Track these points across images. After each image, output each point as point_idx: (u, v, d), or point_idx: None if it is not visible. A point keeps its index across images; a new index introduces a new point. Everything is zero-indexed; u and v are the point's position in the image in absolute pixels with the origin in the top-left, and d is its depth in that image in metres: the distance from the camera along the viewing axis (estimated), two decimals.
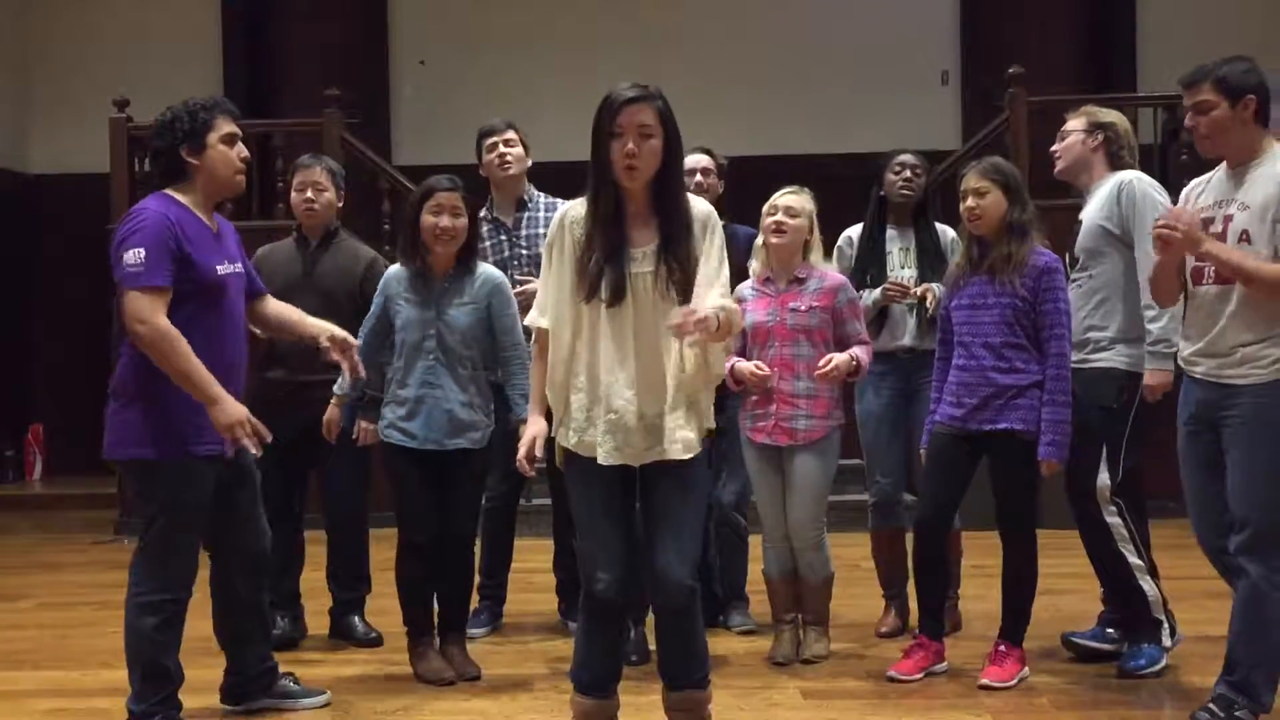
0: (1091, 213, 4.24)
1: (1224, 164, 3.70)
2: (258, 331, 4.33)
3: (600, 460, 3.23)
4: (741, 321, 3.43)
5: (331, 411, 4.52)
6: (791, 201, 4.39)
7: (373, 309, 4.41)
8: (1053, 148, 4.54)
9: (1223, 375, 3.58)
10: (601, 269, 3.19)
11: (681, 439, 3.24)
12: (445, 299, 4.31)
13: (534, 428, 3.37)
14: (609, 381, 3.22)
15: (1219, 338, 3.58)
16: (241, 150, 3.80)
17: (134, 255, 3.55)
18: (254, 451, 3.64)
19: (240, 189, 3.88)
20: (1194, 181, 3.86)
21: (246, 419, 3.59)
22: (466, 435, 4.31)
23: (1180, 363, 3.77)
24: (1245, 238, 3.53)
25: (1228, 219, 3.58)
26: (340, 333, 3.95)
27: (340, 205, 4.99)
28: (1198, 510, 3.73)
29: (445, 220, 4.25)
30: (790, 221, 4.36)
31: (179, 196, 3.72)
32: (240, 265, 3.86)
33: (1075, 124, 4.47)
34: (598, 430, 3.24)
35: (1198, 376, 3.66)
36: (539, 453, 3.35)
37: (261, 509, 3.96)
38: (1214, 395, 3.60)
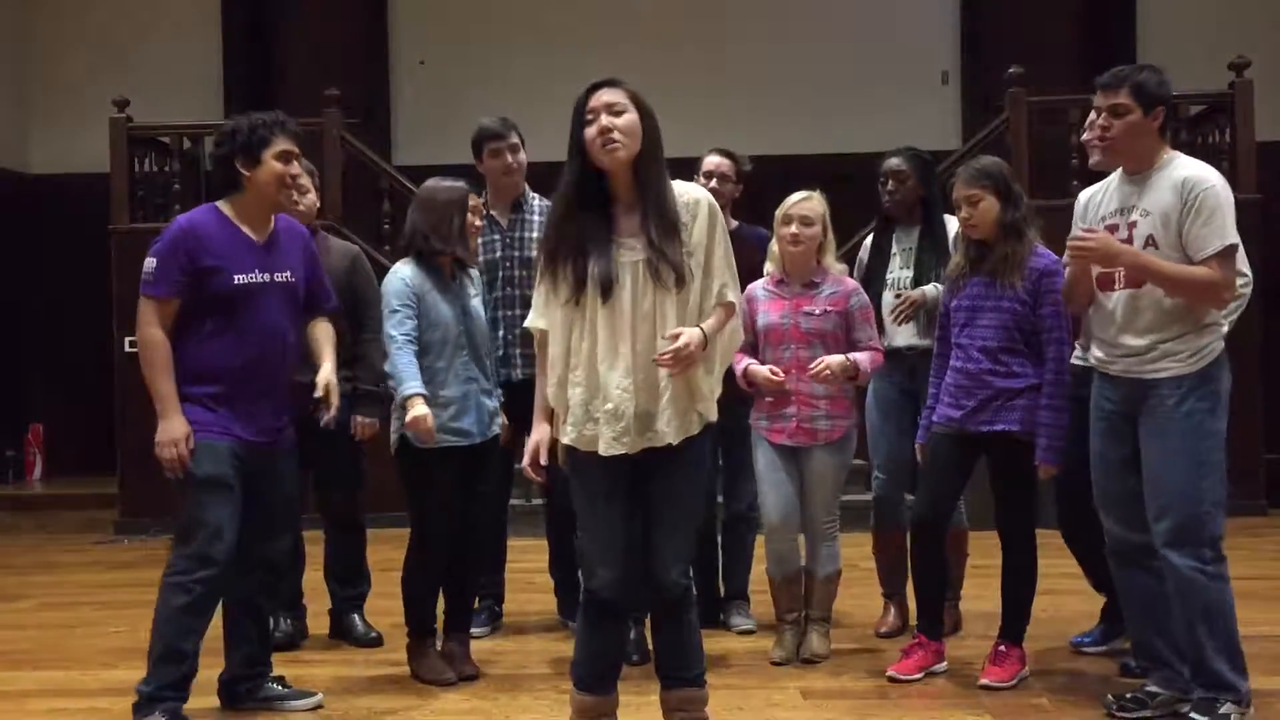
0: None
1: (1119, 171, 3.79)
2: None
3: (601, 451, 3.23)
4: (737, 319, 3.42)
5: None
6: (806, 210, 4.39)
7: (405, 313, 4.22)
8: (1085, 136, 4.50)
9: (1141, 371, 3.65)
10: (588, 264, 3.21)
11: (676, 424, 3.24)
12: (465, 293, 4.38)
13: (538, 434, 3.37)
14: (604, 372, 3.22)
15: (1136, 337, 3.65)
16: (294, 168, 3.90)
17: (149, 264, 3.79)
18: (167, 472, 3.74)
19: (286, 207, 4.00)
20: (1090, 190, 3.94)
21: (174, 442, 3.70)
22: (496, 422, 4.39)
23: (1093, 362, 3.82)
24: (1151, 242, 3.62)
25: (1132, 225, 3.68)
26: (334, 387, 3.99)
27: (318, 205, 4.98)
28: (1113, 504, 3.77)
29: (478, 221, 4.42)
30: (806, 231, 4.38)
31: (224, 208, 3.87)
32: (290, 275, 3.91)
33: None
34: (597, 422, 3.24)
35: (1114, 374, 3.72)
36: (544, 460, 3.35)
37: (291, 526, 4.08)
38: (1133, 391, 3.68)
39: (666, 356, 3.14)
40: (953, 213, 4.63)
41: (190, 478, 3.74)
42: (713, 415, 3.34)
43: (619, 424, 3.22)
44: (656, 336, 3.21)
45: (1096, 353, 3.80)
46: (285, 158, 3.86)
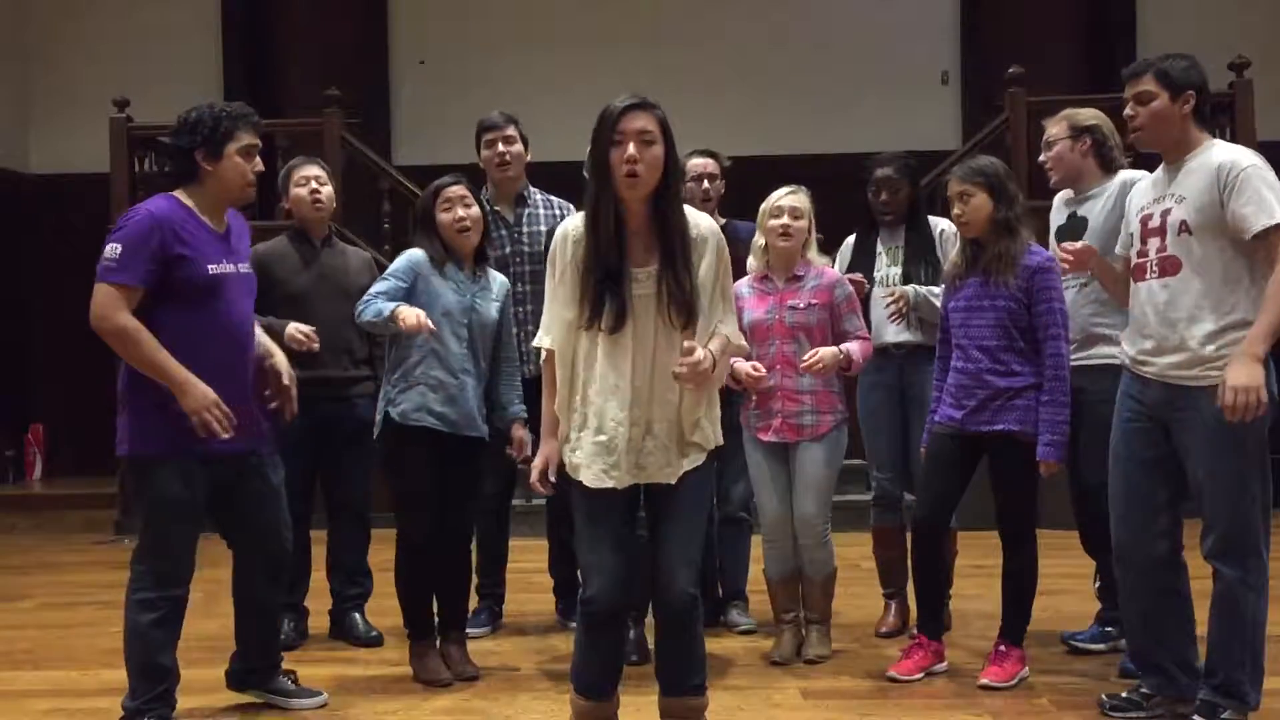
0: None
1: (1163, 161, 3.73)
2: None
3: (588, 483, 3.19)
4: (743, 344, 3.42)
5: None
6: (795, 203, 4.40)
7: (397, 280, 4.23)
8: (1041, 158, 4.55)
9: (1179, 378, 3.54)
10: (603, 294, 3.16)
11: (673, 465, 3.22)
12: (478, 290, 4.36)
13: (547, 450, 3.33)
14: (600, 404, 3.19)
15: (1170, 335, 3.54)
16: (257, 164, 3.82)
17: (111, 250, 3.62)
18: (222, 435, 3.60)
19: (249, 200, 3.90)
20: (1135, 184, 3.90)
21: (214, 403, 3.57)
22: (484, 426, 4.36)
23: (1125, 360, 3.72)
24: (1184, 228, 3.54)
25: (1165, 213, 3.59)
26: (284, 368, 3.92)
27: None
28: (1126, 507, 3.70)
29: (460, 211, 4.30)
30: (795, 224, 4.38)
31: (184, 198, 3.75)
32: (247, 266, 3.88)
33: (1057, 130, 4.48)
34: (585, 453, 3.20)
35: (1150, 376, 3.61)
36: (552, 477, 3.32)
37: (282, 510, 3.96)
38: (1168, 396, 3.57)
39: (685, 370, 3.07)
40: (937, 213, 4.67)
41: (156, 498, 3.65)
42: (714, 443, 3.31)
43: (610, 457, 3.18)
44: (657, 371, 3.18)
45: (1128, 349, 3.70)
46: (248, 153, 3.76)
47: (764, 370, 4.30)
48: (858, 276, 4.67)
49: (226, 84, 10.04)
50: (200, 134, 3.71)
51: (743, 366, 4.30)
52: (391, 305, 4.12)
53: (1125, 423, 3.71)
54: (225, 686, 4.05)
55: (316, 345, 4.54)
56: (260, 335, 3.97)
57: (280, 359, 3.95)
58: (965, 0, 9.98)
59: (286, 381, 3.92)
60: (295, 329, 4.52)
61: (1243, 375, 3.36)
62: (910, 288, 4.64)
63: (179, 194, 3.76)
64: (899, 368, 4.75)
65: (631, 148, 3.11)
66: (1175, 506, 3.66)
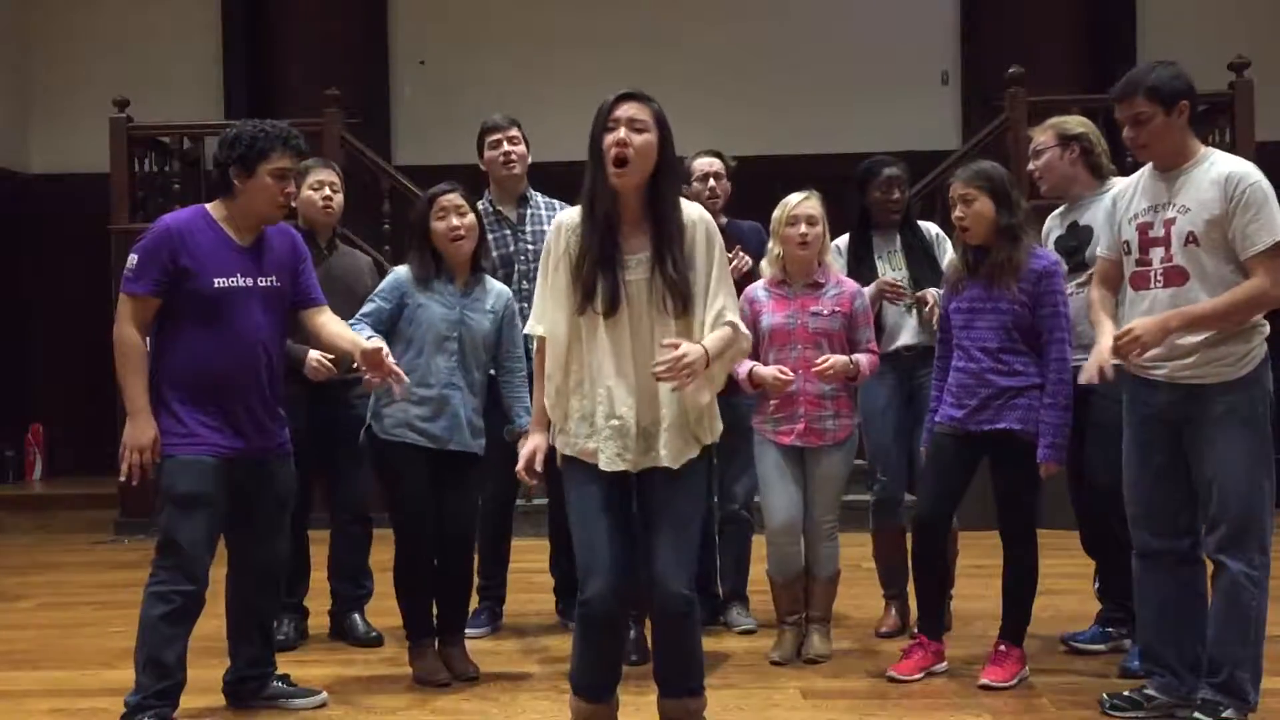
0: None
1: (1148, 167, 3.72)
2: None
3: (602, 466, 3.21)
4: (747, 339, 3.39)
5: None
6: (810, 210, 4.39)
7: (381, 301, 4.29)
8: (1029, 166, 4.55)
9: (1188, 377, 3.57)
10: (595, 278, 3.18)
11: (676, 449, 3.22)
12: (468, 303, 4.33)
13: (534, 440, 3.37)
14: (610, 388, 3.20)
15: (1177, 341, 3.55)
16: (288, 186, 3.86)
17: (130, 260, 3.77)
18: (121, 477, 3.71)
19: (276, 221, 3.94)
20: (1116, 189, 3.90)
21: (144, 448, 3.69)
22: (478, 440, 4.35)
23: (1131, 366, 3.70)
24: (1191, 239, 3.54)
25: (1169, 223, 3.59)
26: (368, 344, 3.89)
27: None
28: (1145, 510, 3.72)
29: (454, 220, 4.29)
30: (813, 230, 4.38)
31: (214, 211, 3.87)
32: (275, 280, 3.88)
33: (1045, 138, 4.48)
34: (599, 437, 3.21)
35: (1158, 379, 3.63)
36: (539, 466, 3.35)
37: (282, 521, 4.01)
38: (1177, 397, 3.60)
39: (662, 368, 3.08)
40: (938, 214, 4.66)
41: (168, 493, 3.73)
42: (711, 437, 3.31)
43: (623, 439, 3.20)
44: (654, 358, 3.17)
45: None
46: (280, 174, 3.82)
47: (790, 375, 4.30)
48: (896, 283, 4.66)
49: (226, 84, 10.04)
50: (236, 150, 3.80)
51: (769, 371, 4.30)
52: (365, 333, 4.10)
53: (1136, 426, 3.73)
54: (225, 705, 4.05)
55: (336, 372, 4.53)
56: (349, 335, 3.96)
57: (368, 345, 3.88)
58: (965, 0, 9.99)
59: (368, 362, 3.85)
60: (317, 359, 4.50)
61: (1146, 334, 3.49)
62: (931, 290, 4.63)
63: (212, 205, 3.88)
64: (908, 371, 4.76)
65: (621, 132, 3.15)
66: (1193, 504, 3.67)
